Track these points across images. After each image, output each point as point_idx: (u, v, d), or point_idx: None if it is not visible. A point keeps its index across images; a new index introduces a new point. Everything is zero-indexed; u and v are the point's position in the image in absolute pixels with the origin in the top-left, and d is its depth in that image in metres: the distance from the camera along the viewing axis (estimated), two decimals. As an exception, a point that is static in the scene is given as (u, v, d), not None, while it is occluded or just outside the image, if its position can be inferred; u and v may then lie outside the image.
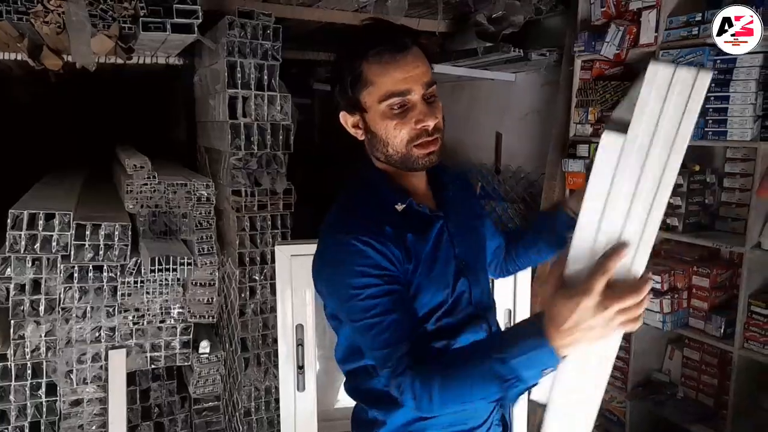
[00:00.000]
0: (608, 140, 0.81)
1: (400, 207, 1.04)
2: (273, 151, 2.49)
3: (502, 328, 1.24)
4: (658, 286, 2.42)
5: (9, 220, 2.10)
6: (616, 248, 0.82)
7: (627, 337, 2.68)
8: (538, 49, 3.03)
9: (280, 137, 2.51)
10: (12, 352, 2.13)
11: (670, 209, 2.47)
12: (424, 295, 1.02)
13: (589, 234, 0.84)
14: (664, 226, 2.50)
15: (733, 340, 2.25)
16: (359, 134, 1.07)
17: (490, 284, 1.24)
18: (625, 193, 0.82)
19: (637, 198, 0.83)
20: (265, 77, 2.46)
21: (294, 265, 1.94)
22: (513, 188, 3.54)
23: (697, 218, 2.46)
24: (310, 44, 3.99)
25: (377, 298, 0.95)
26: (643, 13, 2.50)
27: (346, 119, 1.07)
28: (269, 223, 2.54)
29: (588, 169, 2.70)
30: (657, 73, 0.78)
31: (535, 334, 0.84)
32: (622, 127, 0.81)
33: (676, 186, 2.45)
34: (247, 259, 2.51)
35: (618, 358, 2.68)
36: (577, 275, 0.85)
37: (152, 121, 5.16)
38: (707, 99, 2.28)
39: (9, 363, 2.14)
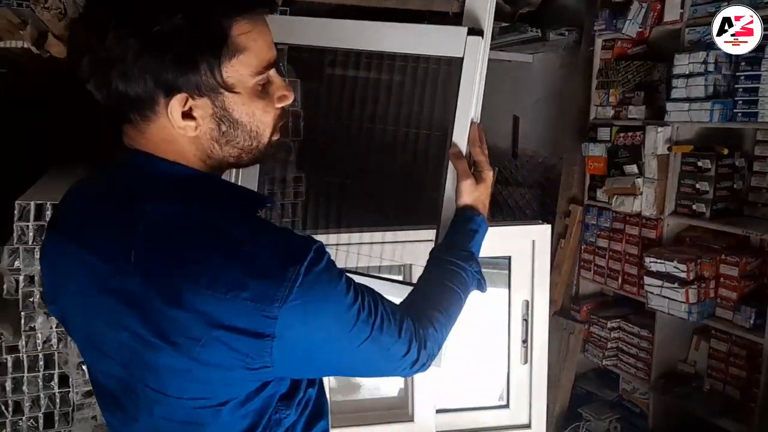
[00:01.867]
0: (473, 44, 1.10)
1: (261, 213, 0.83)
2: (282, 138, 2.41)
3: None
4: (683, 275, 2.33)
5: (16, 211, 2.07)
6: (472, 128, 1.13)
7: (650, 327, 2.61)
8: (557, 29, 2.93)
9: (290, 124, 2.44)
10: (24, 343, 2.12)
11: (697, 194, 2.38)
12: None
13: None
14: (690, 212, 2.41)
15: (764, 331, 2.16)
16: (192, 127, 0.74)
17: None
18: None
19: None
20: (274, 62, 2.39)
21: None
22: (531, 173, 3.45)
23: (726, 204, 2.38)
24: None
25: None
26: (666, -10, 2.39)
27: (181, 103, 0.72)
28: (280, 211, 2.48)
29: (609, 152, 2.60)
30: None
31: (475, 223, 1.08)
32: (479, 32, 1.10)
33: (704, 170, 2.37)
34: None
35: (640, 348, 2.66)
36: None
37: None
38: (736, 78, 2.19)
39: (21, 354, 2.13)
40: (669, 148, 2.44)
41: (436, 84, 1.26)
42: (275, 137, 0.81)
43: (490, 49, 3.37)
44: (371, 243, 1.86)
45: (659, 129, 2.43)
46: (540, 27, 2.94)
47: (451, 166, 1.16)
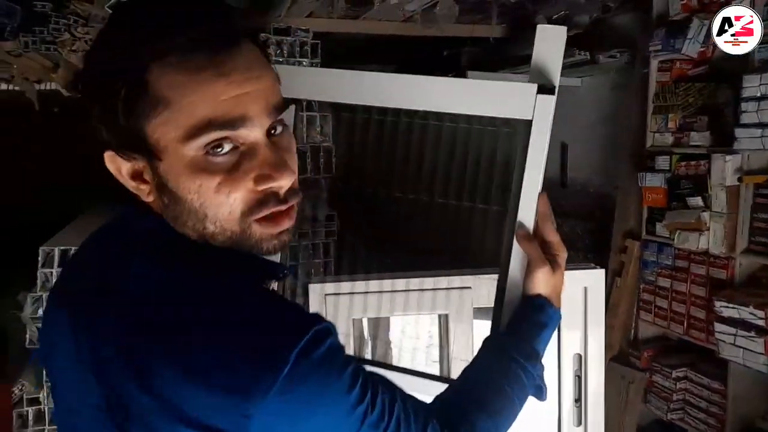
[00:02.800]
0: (545, 104, 0.89)
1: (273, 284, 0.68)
2: (314, 175, 2.31)
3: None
4: (761, 323, 2.06)
5: (39, 258, 2.02)
6: (541, 200, 0.90)
7: (722, 378, 2.34)
8: (607, 51, 2.75)
9: (321, 160, 2.33)
10: (45, 395, 2.06)
11: (774, 229, 2.12)
12: None
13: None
14: (766, 250, 2.15)
15: None
16: (144, 192, 0.61)
17: None
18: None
19: None
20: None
21: (328, 306, 1.74)
22: (582, 204, 3.22)
23: (808, 239, 2.10)
24: (362, 58, 3.84)
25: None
26: (732, 2, 2.16)
27: (118, 165, 0.60)
28: (311, 252, 2.37)
29: (669, 182, 2.37)
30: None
31: (546, 315, 0.85)
32: (550, 90, 0.89)
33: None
34: (288, 291, 2.34)
35: (711, 401, 2.37)
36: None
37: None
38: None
39: (43, 407, 2.07)
40: (739, 179, 2.19)
41: (494, 148, 1.08)
42: (260, 229, 0.60)
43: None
44: (407, 290, 1.72)
45: (727, 157, 2.19)
46: (589, 49, 2.76)
47: (517, 247, 0.91)
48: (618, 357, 2.68)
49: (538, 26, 0.88)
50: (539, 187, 0.91)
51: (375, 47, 3.27)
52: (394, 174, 2.98)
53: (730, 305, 2.15)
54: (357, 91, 0.91)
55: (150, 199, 0.62)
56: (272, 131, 0.60)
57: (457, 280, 1.73)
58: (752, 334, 2.07)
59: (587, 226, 3.15)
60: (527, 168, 0.90)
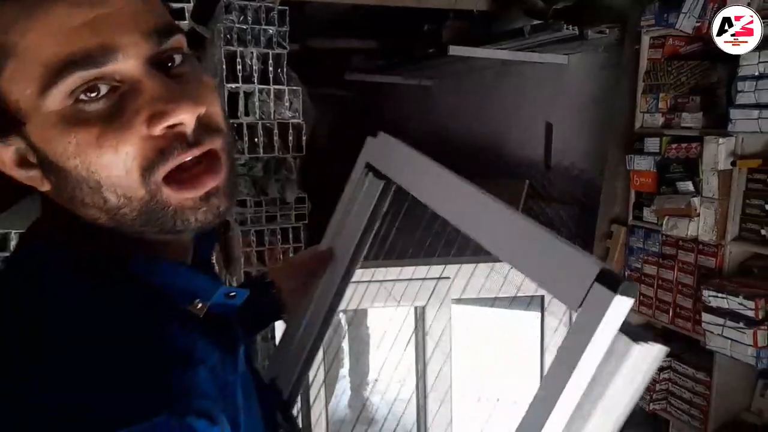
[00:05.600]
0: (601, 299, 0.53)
1: (200, 306, 0.50)
2: (282, 154, 2.15)
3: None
4: (751, 313, 1.97)
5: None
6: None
7: (707, 369, 2.26)
8: (596, 26, 2.61)
9: (290, 138, 2.17)
10: None
11: (766, 217, 2.02)
12: None
13: None
14: (758, 238, 2.05)
15: None
16: (37, 180, 0.47)
17: None
18: None
19: None
20: (270, 69, 2.13)
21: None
22: (566, 187, 3.11)
23: (800, 228, 2.00)
24: (343, 32, 3.67)
25: None
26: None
27: None
28: (279, 237, 2.22)
29: (659, 166, 2.25)
30: None
31: None
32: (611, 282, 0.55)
33: (772, 188, 2.02)
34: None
35: (695, 392, 2.29)
36: None
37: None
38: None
39: None
40: (733, 163, 2.08)
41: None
42: (174, 194, 0.45)
43: (520, 50, 3.07)
44: (383, 281, 1.60)
45: (721, 140, 2.08)
46: (577, 24, 2.62)
47: None
48: (601, 346, 2.60)
49: None
50: None
51: (353, 18, 3.09)
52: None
53: (719, 295, 2.06)
54: (413, 182, 0.75)
55: (46, 187, 0.48)
56: (169, 64, 0.46)
57: (434, 270, 1.62)
58: (741, 325, 1.99)
59: (572, 211, 3.04)
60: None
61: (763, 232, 2.04)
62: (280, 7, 2.15)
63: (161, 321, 0.45)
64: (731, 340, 2.05)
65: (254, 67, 2.10)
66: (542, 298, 1.76)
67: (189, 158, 0.45)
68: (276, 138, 2.15)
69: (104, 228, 0.47)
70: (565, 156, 3.17)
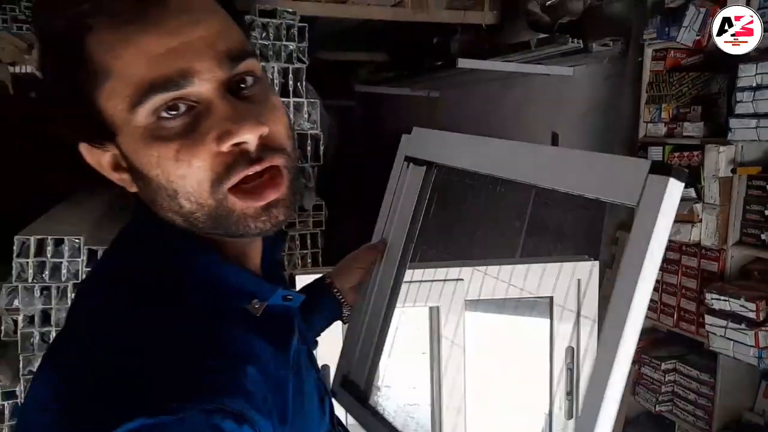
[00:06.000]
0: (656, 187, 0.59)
1: (258, 306, 0.55)
2: (300, 163, 2.25)
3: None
4: (752, 315, 2.04)
5: (15, 247, 1.95)
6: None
7: (711, 370, 2.32)
8: (600, 39, 2.70)
9: (308, 148, 2.27)
10: (22, 389, 1.99)
11: (765, 222, 2.09)
12: None
13: None
14: (758, 242, 2.12)
15: None
16: (127, 182, 0.55)
17: None
18: None
19: None
20: (291, 82, 2.23)
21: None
22: (573, 195, 3.19)
23: (800, 232, 2.08)
24: (352, 44, 3.77)
25: None
26: (729, -7, 2.13)
27: (96, 157, 0.54)
28: (298, 243, 2.31)
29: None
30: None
31: None
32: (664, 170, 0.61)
33: (772, 193, 2.09)
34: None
35: (700, 393, 2.36)
36: None
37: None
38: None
39: (19, 401, 2.00)
40: (733, 170, 2.16)
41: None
42: (240, 202, 0.51)
43: (527, 62, 3.17)
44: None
45: (721, 148, 2.16)
46: (582, 37, 2.72)
47: None
48: (607, 349, 2.66)
49: None
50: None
51: (364, 33, 3.19)
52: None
53: (722, 297, 2.13)
54: (456, 155, 0.83)
55: (134, 189, 0.55)
56: (241, 85, 0.52)
57: (449, 272, 1.69)
58: (743, 326, 2.06)
59: (579, 218, 3.12)
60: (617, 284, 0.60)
61: (763, 236, 2.11)
62: (300, 24, 2.26)
63: (216, 319, 0.51)
64: (733, 341, 2.11)
65: (275, 81, 2.20)
66: (551, 299, 1.83)
67: (251, 172, 0.50)
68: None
69: (179, 228, 0.53)
70: (571, 164, 3.25)
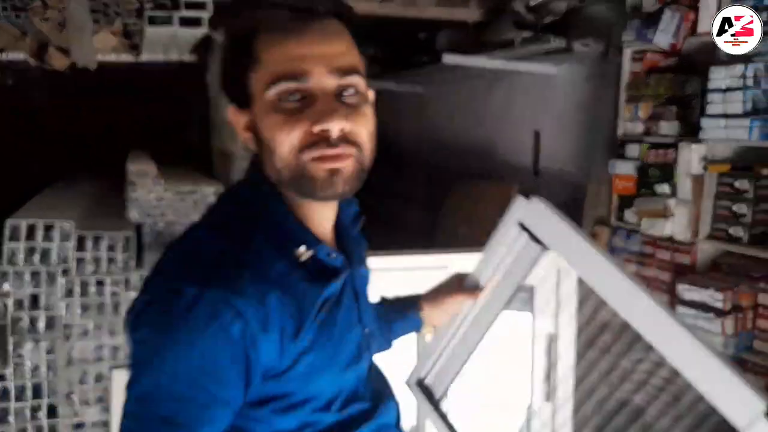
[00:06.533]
0: None
1: (304, 254, 0.72)
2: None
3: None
4: (719, 305, 2.14)
5: (6, 231, 1.97)
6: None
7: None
8: (582, 39, 2.79)
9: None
10: (11, 371, 2.02)
11: (734, 217, 2.20)
12: (317, 381, 0.73)
13: None
14: (727, 237, 2.22)
15: (808, 368, 1.97)
16: (251, 141, 0.74)
17: None
18: None
19: None
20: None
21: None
22: (554, 191, 3.28)
23: (765, 228, 2.18)
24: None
25: (197, 407, 0.64)
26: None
27: (236, 118, 0.74)
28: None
29: (639, 170, 2.42)
30: None
31: None
32: None
33: (741, 191, 2.19)
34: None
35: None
36: None
37: (167, 123, 5.05)
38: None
39: (8, 383, 2.03)
40: (704, 168, 2.26)
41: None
42: (312, 165, 0.69)
43: (511, 60, 3.23)
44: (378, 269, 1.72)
45: (693, 146, 2.26)
46: (565, 37, 2.80)
47: None
48: (584, 340, 2.75)
49: None
50: None
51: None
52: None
53: (692, 288, 2.23)
54: (575, 260, 0.91)
55: (253, 147, 0.74)
56: (344, 92, 0.70)
57: (432, 260, 1.74)
58: (711, 315, 2.16)
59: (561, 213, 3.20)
60: None
61: (731, 231, 2.21)
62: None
63: (268, 252, 0.69)
64: (702, 330, 2.21)
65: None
66: (532, 288, 1.90)
67: (327, 153, 0.68)
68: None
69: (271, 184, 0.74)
70: (552, 161, 3.34)
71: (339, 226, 0.81)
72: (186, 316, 0.62)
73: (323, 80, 0.68)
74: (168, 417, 0.63)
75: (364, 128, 0.71)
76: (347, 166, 0.70)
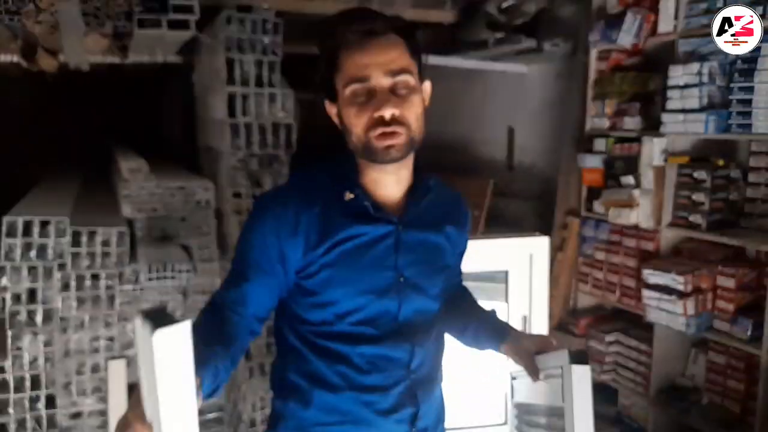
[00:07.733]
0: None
1: (348, 196, 1.03)
2: (274, 150, 2.40)
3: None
4: (681, 287, 2.30)
5: (4, 228, 2.03)
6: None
7: (649, 341, 2.57)
8: (551, 40, 2.92)
9: (282, 136, 2.42)
10: (10, 363, 2.08)
11: (693, 206, 2.35)
12: (334, 291, 1.02)
13: None
14: (687, 224, 2.38)
15: (761, 343, 2.13)
16: (338, 124, 1.05)
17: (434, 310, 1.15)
18: None
19: None
20: (265, 73, 2.37)
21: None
22: (527, 185, 3.43)
23: (722, 215, 2.34)
24: (316, 37, 3.89)
25: (245, 256, 1.02)
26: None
27: (330, 109, 1.05)
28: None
29: (606, 163, 2.57)
30: None
31: None
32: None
33: (699, 181, 2.35)
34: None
35: (639, 362, 2.62)
36: None
37: (152, 121, 5.09)
38: (730, 90, 2.18)
39: (7, 375, 2.09)
40: (665, 160, 2.41)
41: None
42: (375, 141, 0.98)
43: (484, 60, 3.36)
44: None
45: (655, 140, 2.41)
46: (535, 38, 2.93)
47: None
48: (558, 326, 2.90)
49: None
50: None
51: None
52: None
53: (656, 273, 2.38)
54: None
55: (341, 127, 1.03)
56: (396, 88, 0.97)
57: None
58: (673, 297, 2.31)
59: (533, 206, 3.34)
60: None
61: (691, 218, 2.37)
62: (274, 19, 2.40)
63: (321, 192, 1.02)
64: (666, 311, 2.36)
65: (251, 72, 2.35)
66: (506, 273, 2.02)
67: (383, 131, 0.96)
68: (269, 136, 2.39)
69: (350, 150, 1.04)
70: (525, 156, 3.48)
71: (411, 198, 1.07)
72: (252, 212, 1.03)
73: (380, 81, 0.96)
74: (233, 267, 1.03)
75: (411, 112, 0.99)
76: (399, 140, 0.98)
